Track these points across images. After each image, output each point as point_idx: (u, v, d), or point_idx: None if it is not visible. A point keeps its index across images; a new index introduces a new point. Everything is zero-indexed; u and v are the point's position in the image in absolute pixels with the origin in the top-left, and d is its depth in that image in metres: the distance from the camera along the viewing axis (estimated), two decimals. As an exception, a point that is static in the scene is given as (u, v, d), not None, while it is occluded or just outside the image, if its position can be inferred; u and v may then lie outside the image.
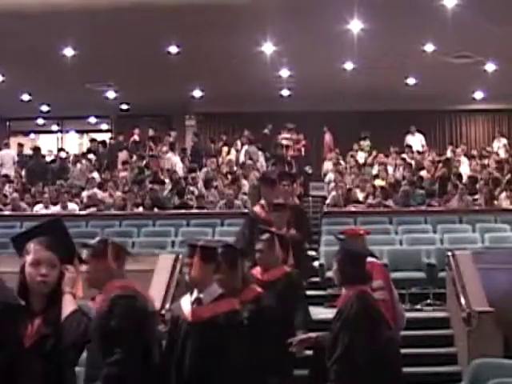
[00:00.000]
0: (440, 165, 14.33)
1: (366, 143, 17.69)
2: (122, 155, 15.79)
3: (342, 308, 4.36)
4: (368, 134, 17.91)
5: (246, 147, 16.08)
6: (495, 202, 11.96)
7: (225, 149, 16.83)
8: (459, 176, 13.24)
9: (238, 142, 17.14)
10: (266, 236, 5.67)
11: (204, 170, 14.70)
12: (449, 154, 16.15)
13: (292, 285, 5.53)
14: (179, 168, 14.93)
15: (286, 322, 5.30)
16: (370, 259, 5.51)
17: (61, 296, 3.19)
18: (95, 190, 13.34)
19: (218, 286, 4.11)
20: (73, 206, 12.42)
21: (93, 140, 17.83)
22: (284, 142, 16.55)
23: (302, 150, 17.18)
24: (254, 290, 4.87)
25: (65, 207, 12.23)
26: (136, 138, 17.12)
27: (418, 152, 15.88)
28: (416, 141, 17.36)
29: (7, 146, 16.20)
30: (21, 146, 17.35)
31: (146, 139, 17.05)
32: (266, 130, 17.39)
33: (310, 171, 16.14)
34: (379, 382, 4.17)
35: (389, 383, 4.27)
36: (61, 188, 12.90)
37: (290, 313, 5.39)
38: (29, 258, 3.16)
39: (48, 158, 16.84)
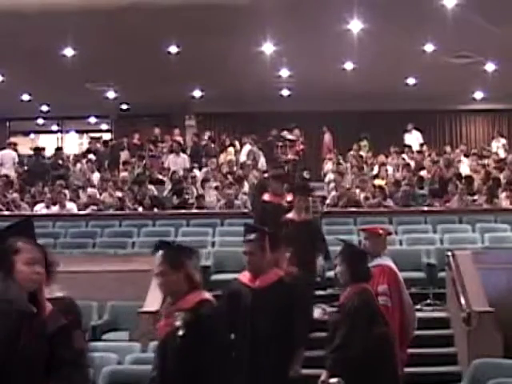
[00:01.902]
0: (441, 163, 14.37)
1: (363, 143, 17.68)
2: (123, 155, 15.79)
3: (344, 303, 4.68)
4: (367, 135, 17.89)
5: (249, 147, 16.08)
6: (496, 201, 11.95)
7: (231, 149, 16.79)
8: (459, 176, 13.24)
9: (237, 143, 17.14)
10: (254, 235, 4.84)
11: (204, 169, 14.70)
12: (447, 155, 16.10)
13: (289, 291, 4.82)
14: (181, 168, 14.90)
15: (283, 336, 4.70)
16: (381, 262, 5.54)
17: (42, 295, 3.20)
18: (94, 189, 13.35)
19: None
20: (71, 206, 12.41)
21: (92, 139, 17.85)
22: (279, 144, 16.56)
23: (300, 153, 17.17)
24: (197, 295, 3.85)
25: (63, 207, 12.23)
26: (136, 141, 17.15)
27: (418, 152, 15.87)
28: (413, 138, 17.35)
29: (10, 145, 16.16)
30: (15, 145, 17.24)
31: (146, 141, 17.06)
32: (270, 138, 17.27)
33: (307, 176, 16.12)
34: (371, 374, 4.39)
35: (380, 376, 4.46)
36: (60, 188, 12.88)
37: (287, 325, 4.73)
38: (23, 257, 3.13)
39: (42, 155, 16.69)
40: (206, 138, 17.25)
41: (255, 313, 4.72)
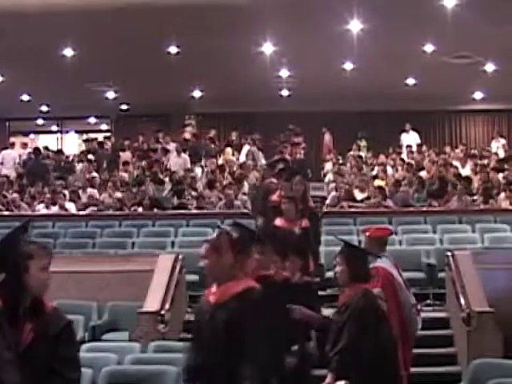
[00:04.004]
0: (440, 162, 14.38)
1: (362, 143, 17.68)
2: (124, 155, 15.78)
3: (347, 302, 4.56)
4: (364, 134, 17.88)
5: (248, 147, 16.07)
6: (492, 202, 11.95)
7: (228, 150, 16.77)
8: (459, 176, 13.24)
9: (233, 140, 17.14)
10: (215, 235, 3.85)
11: (204, 170, 14.68)
12: (446, 156, 16.08)
13: (247, 311, 3.57)
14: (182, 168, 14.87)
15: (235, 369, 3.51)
16: (376, 263, 5.52)
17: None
18: (94, 190, 13.34)
19: None
20: (69, 206, 12.41)
21: (87, 140, 17.86)
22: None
23: (302, 152, 17.09)
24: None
25: (62, 207, 12.23)
26: (140, 144, 17.19)
27: (418, 152, 15.86)
28: (410, 139, 17.34)
29: (12, 146, 16.20)
30: (25, 145, 17.32)
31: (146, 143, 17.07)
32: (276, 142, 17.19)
33: (310, 175, 16.06)
34: (376, 376, 4.33)
35: (386, 377, 4.42)
36: (59, 188, 12.87)
37: (235, 360, 3.53)
38: (38, 263, 3.19)
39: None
40: (233, 138, 17.15)
41: (209, 337, 3.62)
